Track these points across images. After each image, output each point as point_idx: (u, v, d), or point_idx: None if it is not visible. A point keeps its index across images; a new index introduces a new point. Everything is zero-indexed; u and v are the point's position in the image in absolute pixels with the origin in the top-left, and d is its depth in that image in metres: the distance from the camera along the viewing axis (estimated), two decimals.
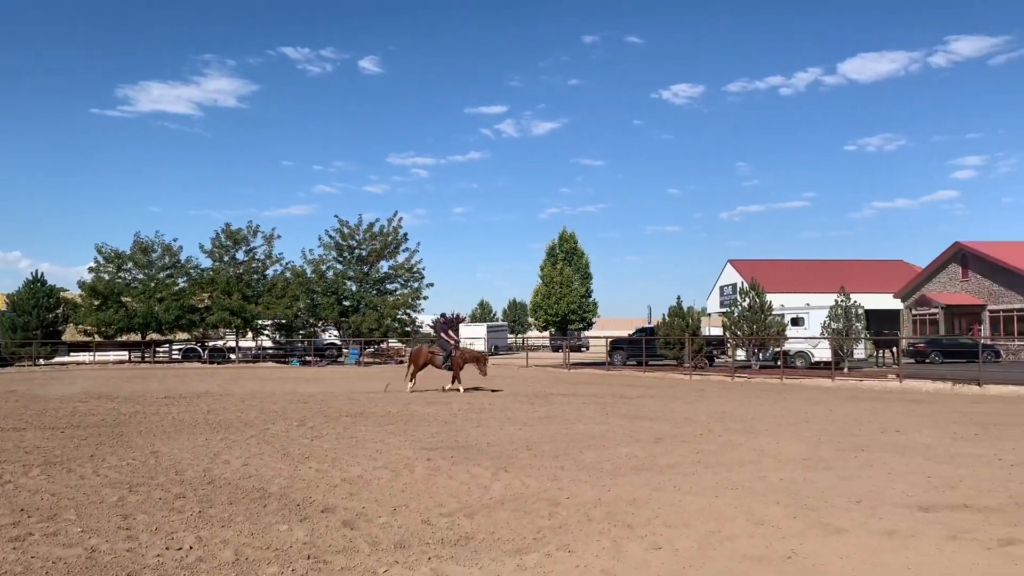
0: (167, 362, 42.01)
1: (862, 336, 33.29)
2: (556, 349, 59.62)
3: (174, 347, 43.46)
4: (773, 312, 33.30)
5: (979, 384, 21.59)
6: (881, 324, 51.37)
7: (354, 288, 44.51)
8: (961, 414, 15.03)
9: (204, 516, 6.57)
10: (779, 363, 29.86)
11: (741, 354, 33.82)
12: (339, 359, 43.09)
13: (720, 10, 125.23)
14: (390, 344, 46.52)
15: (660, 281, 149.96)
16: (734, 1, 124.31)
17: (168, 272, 43.63)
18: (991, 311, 44.30)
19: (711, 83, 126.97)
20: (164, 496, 7.35)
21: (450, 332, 21.93)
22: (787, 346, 32.28)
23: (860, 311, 32.69)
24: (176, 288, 42.92)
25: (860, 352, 34.28)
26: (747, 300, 32.77)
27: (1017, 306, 42.36)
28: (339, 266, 44.68)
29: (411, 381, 20.84)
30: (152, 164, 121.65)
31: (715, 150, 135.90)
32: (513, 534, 6.04)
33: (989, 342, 40.12)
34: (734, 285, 63.35)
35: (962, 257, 47.16)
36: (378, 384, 24.05)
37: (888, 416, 14.72)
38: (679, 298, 35.33)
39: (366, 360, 42.05)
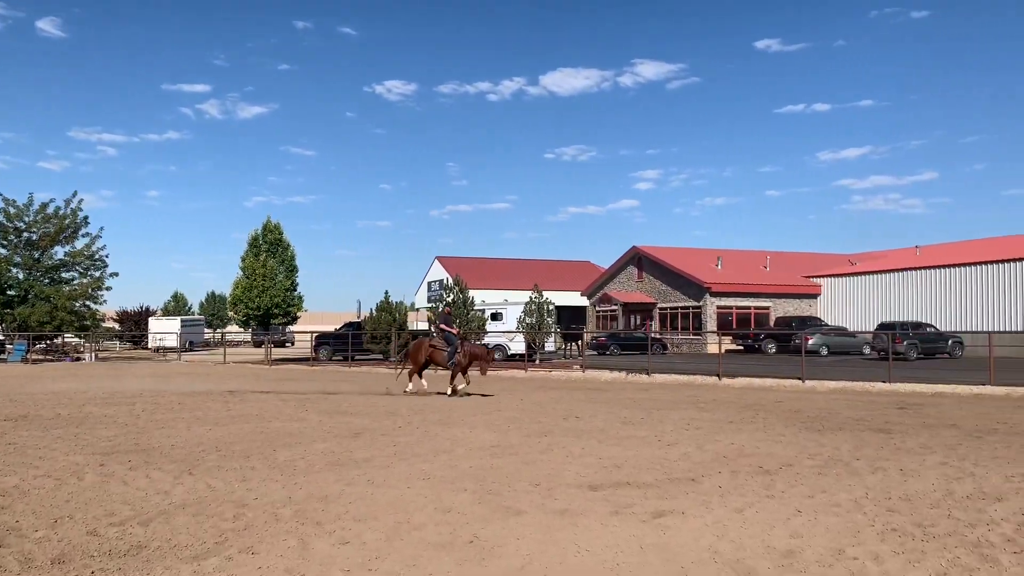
0: None
1: (552, 330, 35.79)
2: (258, 344, 57.43)
3: None
4: (475, 307, 34.73)
5: (648, 373, 24.14)
6: (570, 319, 55.53)
7: (21, 276, 39.56)
8: (632, 400, 16.70)
9: None
10: None
11: None
12: (1, 356, 38.04)
13: (434, 11, 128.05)
14: (65, 339, 41.94)
15: (371, 275, 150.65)
16: (446, 4, 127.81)
17: None
18: (661, 308, 49.76)
19: (424, 82, 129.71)
20: None
21: (452, 326, 19.46)
22: (487, 339, 33.81)
23: (551, 307, 35.13)
24: None
25: (551, 345, 36.85)
26: (452, 295, 33.85)
27: (681, 304, 47.98)
28: (3, 251, 39.43)
29: (411, 380, 18.55)
30: None
31: (427, 149, 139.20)
32: (192, 539, 5.69)
33: (658, 336, 45.04)
34: (441, 281, 65.15)
35: (638, 260, 52.46)
36: (49, 384, 21.60)
37: (571, 404, 15.95)
38: (387, 293, 35.73)
39: (35, 357, 37.54)
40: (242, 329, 62.60)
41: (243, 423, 12.58)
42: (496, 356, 34.32)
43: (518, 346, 33.86)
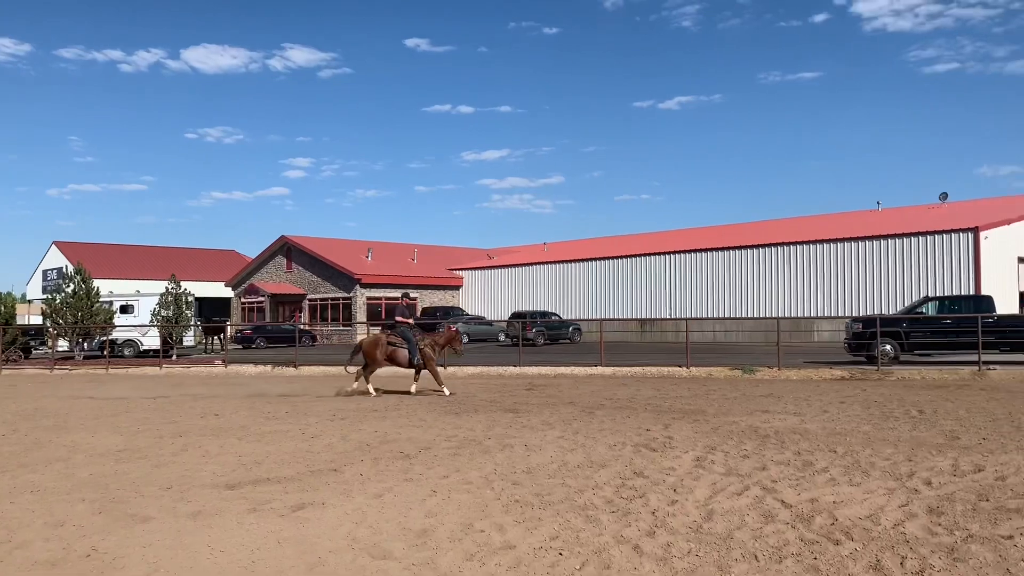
0: None
1: (191, 323, 33.75)
2: None
3: None
4: (101, 299, 31.57)
5: (295, 366, 23.79)
6: (213, 311, 52.78)
7: None
8: (277, 395, 16.29)
9: None
10: (105, 352, 28.37)
11: (64, 344, 31.18)
12: None
13: None
14: None
15: None
16: None
17: None
18: (310, 299, 49.24)
19: (41, 44, 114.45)
20: None
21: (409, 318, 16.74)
22: (115, 334, 30.91)
23: (191, 298, 33.12)
24: None
25: (190, 339, 34.74)
26: (72, 286, 30.41)
27: (331, 295, 47.91)
28: None
29: (368, 380, 15.90)
30: None
31: (44, 120, 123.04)
32: None
33: (307, 328, 44.53)
34: (59, 269, 58.27)
35: (287, 250, 51.36)
36: None
37: (211, 401, 15.16)
38: None
39: None
40: None
41: None
42: (127, 352, 31.47)
43: (152, 341, 31.36)
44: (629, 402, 13.81)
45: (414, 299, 15.12)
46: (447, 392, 15.34)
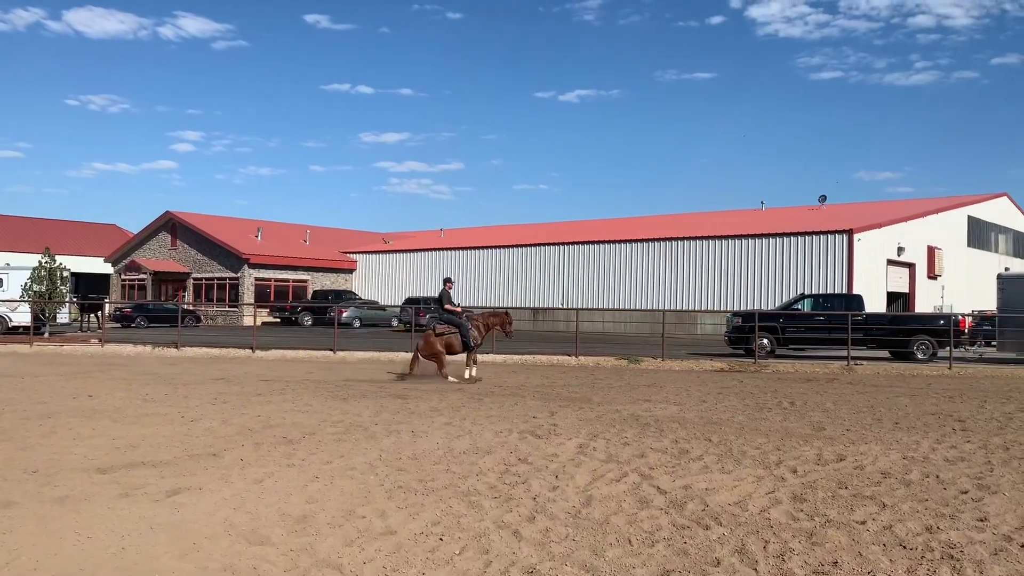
0: None
1: (67, 300, 32.15)
2: None
3: None
4: None
5: (177, 347, 22.96)
6: (91, 288, 50.42)
7: None
8: (157, 376, 15.72)
9: None
10: None
11: None
12: None
13: None
14: None
15: None
16: None
17: None
18: (195, 278, 47.59)
19: None
20: None
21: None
22: None
23: (66, 273, 31.56)
24: None
25: (64, 316, 33.08)
26: None
27: (217, 275, 46.44)
28: None
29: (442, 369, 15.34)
30: None
31: None
32: None
33: (191, 307, 43.03)
34: None
35: (172, 226, 49.46)
36: None
37: (85, 381, 14.49)
38: None
39: None
40: None
41: None
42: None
43: (22, 317, 29.66)
44: (518, 389, 13.98)
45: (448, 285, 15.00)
46: (474, 373, 15.59)
